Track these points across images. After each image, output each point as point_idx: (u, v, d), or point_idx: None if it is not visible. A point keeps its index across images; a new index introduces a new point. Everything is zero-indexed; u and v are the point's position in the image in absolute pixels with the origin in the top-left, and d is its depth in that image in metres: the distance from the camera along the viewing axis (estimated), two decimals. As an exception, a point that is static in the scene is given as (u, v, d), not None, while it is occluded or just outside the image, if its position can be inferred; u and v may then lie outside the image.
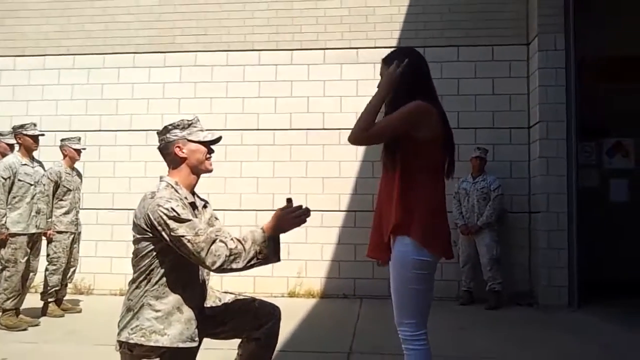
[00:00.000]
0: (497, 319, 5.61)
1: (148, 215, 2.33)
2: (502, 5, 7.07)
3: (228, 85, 7.28)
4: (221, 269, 2.29)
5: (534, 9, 6.75)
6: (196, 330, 2.41)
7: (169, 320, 2.33)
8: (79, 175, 6.01)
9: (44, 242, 5.58)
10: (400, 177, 2.41)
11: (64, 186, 5.69)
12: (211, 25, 7.41)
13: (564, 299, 6.22)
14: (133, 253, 2.44)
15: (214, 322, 2.59)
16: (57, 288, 5.60)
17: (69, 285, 6.13)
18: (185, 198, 2.46)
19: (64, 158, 5.84)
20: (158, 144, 2.59)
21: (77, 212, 5.85)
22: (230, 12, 7.41)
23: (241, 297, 2.73)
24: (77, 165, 6.01)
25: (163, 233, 2.30)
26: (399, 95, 2.45)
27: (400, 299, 2.42)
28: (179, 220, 2.29)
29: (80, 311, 5.84)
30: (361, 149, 6.96)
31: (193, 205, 2.51)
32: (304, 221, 2.39)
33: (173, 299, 2.36)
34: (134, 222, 2.43)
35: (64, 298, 5.87)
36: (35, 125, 5.40)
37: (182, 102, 7.31)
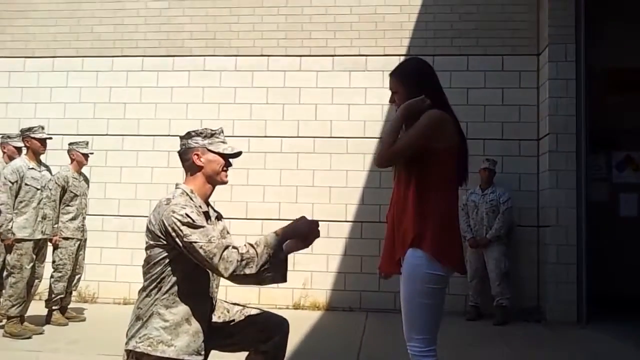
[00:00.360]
0: (504, 336, 5.55)
1: (162, 222, 2.34)
2: (513, 14, 7.01)
3: (236, 91, 7.25)
4: (234, 275, 2.28)
5: (545, 19, 6.69)
6: (203, 344, 2.40)
7: (177, 332, 2.33)
8: (86, 180, 5.99)
9: (49, 248, 5.54)
10: (416, 187, 2.39)
11: (71, 191, 5.66)
12: (220, 30, 7.37)
13: (573, 315, 6.15)
14: (145, 260, 2.43)
15: (222, 334, 2.58)
16: (62, 296, 5.56)
17: (74, 293, 6.10)
18: (200, 207, 2.46)
19: (71, 162, 5.81)
20: (179, 147, 2.60)
21: (84, 218, 5.82)
22: (239, 16, 7.37)
23: (249, 309, 2.71)
24: (83, 170, 5.98)
25: (177, 239, 2.30)
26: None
27: (410, 313, 2.38)
28: (192, 226, 2.30)
29: (84, 320, 5.81)
30: (368, 159, 6.91)
31: (206, 215, 2.50)
32: (317, 236, 2.40)
33: (183, 309, 2.36)
34: (147, 228, 2.42)
35: (69, 306, 5.83)
36: (43, 128, 5.36)
37: (189, 107, 7.28)
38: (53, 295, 5.51)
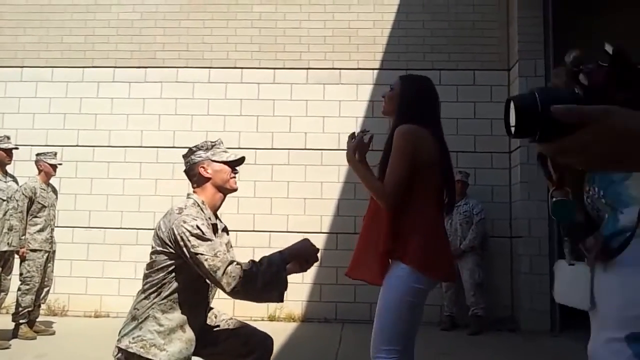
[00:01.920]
0: (479, 345, 5.58)
1: (172, 230, 2.36)
2: (484, 30, 7.17)
3: (209, 103, 7.20)
4: (235, 291, 2.29)
5: (515, 35, 6.85)
6: (203, 342, 2.47)
7: (170, 337, 2.35)
8: (55, 191, 5.83)
9: (16, 260, 5.38)
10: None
11: (39, 202, 5.51)
12: (193, 42, 7.33)
13: (546, 324, 6.22)
14: (148, 264, 2.46)
15: (205, 339, 2.56)
16: (29, 309, 5.37)
17: (42, 306, 5.91)
18: (209, 219, 2.50)
19: (39, 173, 5.66)
20: (184, 166, 2.66)
21: (52, 229, 5.66)
22: (212, 28, 7.36)
23: (236, 320, 2.70)
24: (52, 181, 5.84)
25: (184, 249, 2.33)
26: (396, 119, 2.48)
27: (383, 322, 2.32)
28: (201, 238, 2.33)
29: (53, 333, 5.62)
30: (343, 170, 6.92)
31: (214, 228, 2.52)
32: (315, 261, 2.50)
33: (179, 316, 2.39)
34: (155, 234, 2.46)
35: (37, 319, 5.64)
36: (9, 138, 5.26)
37: (162, 119, 7.19)
38: (20, 309, 5.32)
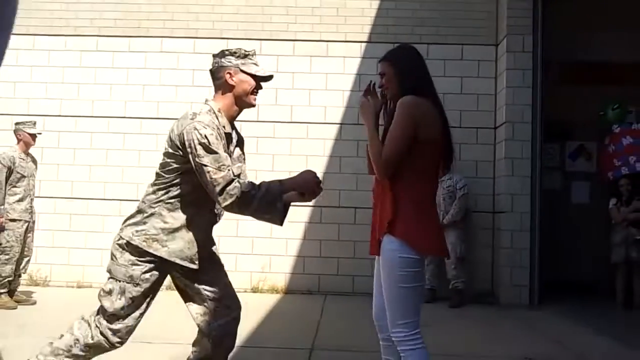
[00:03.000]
0: (459, 317, 5.66)
1: (183, 135, 2.38)
2: (473, 4, 7.09)
3: (194, 73, 7.10)
4: (230, 209, 2.35)
5: (504, 10, 6.79)
6: (197, 254, 2.47)
7: (173, 235, 2.41)
8: (34, 161, 5.77)
9: (-4, 230, 5.35)
10: (395, 173, 2.35)
11: (18, 172, 5.46)
12: (178, 11, 7.20)
13: (525, 298, 6.31)
14: (160, 164, 2.50)
15: (210, 270, 2.57)
16: (10, 279, 5.37)
17: (24, 276, 5.90)
18: (224, 127, 2.49)
19: (18, 143, 5.60)
20: (211, 65, 2.59)
21: (32, 199, 5.62)
22: (198, -3, 7.22)
23: (227, 275, 2.69)
24: (35, 151, 5.77)
25: (190, 155, 2.36)
26: (397, 91, 2.43)
27: (391, 299, 2.35)
28: (207, 149, 2.34)
29: (34, 303, 5.62)
30: (329, 144, 6.90)
31: (229, 137, 2.52)
32: (318, 193, 2.48)
33: (183, 216, 2.44)
34: (168, 136, 2.47)
35: (17, 289, 5.63)
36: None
37: (146, 89, 7.10)
38: (0, 279, 5.31)
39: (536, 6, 6.66)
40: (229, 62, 2.53)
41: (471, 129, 6.93)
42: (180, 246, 2.42)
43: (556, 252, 7.10)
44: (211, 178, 2.32)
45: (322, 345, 4.25)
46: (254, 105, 2.62)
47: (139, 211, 2.48)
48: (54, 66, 7.18)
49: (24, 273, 5.75)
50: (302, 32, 7.15)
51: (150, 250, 2.39)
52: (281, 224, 2.48)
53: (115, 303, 2.40)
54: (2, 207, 5.29)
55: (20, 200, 5.46)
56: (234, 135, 2.61)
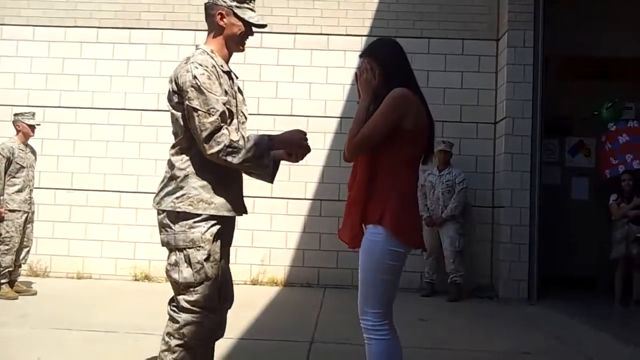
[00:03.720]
0: (457, 311, 5.67)
1: (177, 79, 2.31)
2: (474, -1, 7.08)
3: (195, 66, 7.08)
4: (216, 157, 2.26)
5: (505, 4, 6.78)
6: (242, 200, 2.49)
7: (214, 190, 2.34)
8: (33, 152, 5.77)
9: (-3, 221, 5.36)
10: (379, 165, 2.36)
11: (17, 163, 5.45)
12: (179, 3, 7.17)
13: (524, 293, 6.33)
14: (172, 122, 2.40)
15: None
16: (10, 269, 5.38)
17: (24, 267, 5.91)
18: (221, 66, 2.42)
19: (17, 134, 5.59)
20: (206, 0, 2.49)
21: (31, 190, 5.62)
22: (198, -10, 7.19)
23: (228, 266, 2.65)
24: (34, 142, 5.77)
25: (183, 99, 2.29)
26: (382, 87, 2.41)
27: (365, 287, 2.38)
28: (198, 90, 2.26)
29: (35, 293, 5.63)
30: (329, 138, 6.90)
31: (229, 75, 2.47)
32: (306, 152, 2.45)
33: (218, 168, 2.34)
34: (168, 89, 2.38)
35: (18, 279, 5.64)
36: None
37: (146, 81, 7.08)
38: (1, 269, 5.32)
39: (537, 1, 6.64)
40: (224, 1, 2.43)
41: (471, 124, 6.94)
42: (224, 200, 2.37)
43: (555, 247, 7.11)
44: (200, 122, 2.24)
45: (322, 338, 4.27)
46: (240, 51, 2.53)
47: (171, 178, 2.37)
48: (54, 57, 7.16)
49: (23, 263, 5.75)
50: (303, 25, 7.14)
51: (199, 212, 2.31)
52: (271, 181, 2.45)
53: (184, 272, 2.32)
54: (1, 197, 5.29)
55: (20, 191, 5.46)
56: (234, 77, 2.54)
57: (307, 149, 2.46)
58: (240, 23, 2.44)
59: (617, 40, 7.31)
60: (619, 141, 6.98)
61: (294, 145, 2.45)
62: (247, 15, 2.45)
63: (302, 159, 2.50)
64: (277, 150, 2.46)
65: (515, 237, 6.42)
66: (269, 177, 2.43)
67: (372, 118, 2.35)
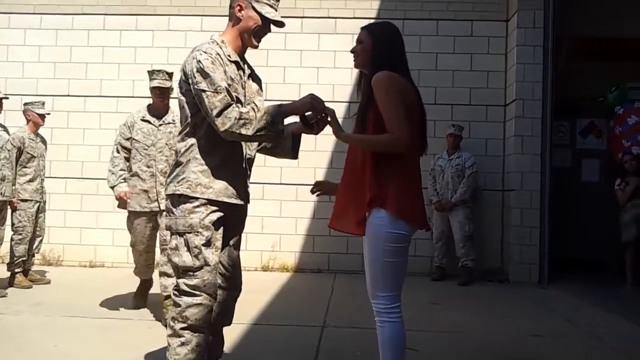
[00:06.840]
0: (468, 295, 5.68)
1: (186, 66, 2.39)
2: (483, -21, 6.98)
3: (202, 52, 7.05)
4: (230, 132, 2.30)
5: (514, -15, 6.68)
6: (242, 187, 2.51)
7: (214, 175, 2.40)
8: (44, 141, 5.79)
9: (9, 211, 5.39)
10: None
11: (28, 152, 5.47)
12: (185, -12, 7.14)
13: (535, 276, 6.33)
14: (180, 110, 2.49)
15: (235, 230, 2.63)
16: (24, 258, 5.43)
17: (37, 256, 5.97)
18: (229, 56, 2.46)
19: (27, 123, 5.59)
20: None
21: (42, 180, 5.64)
22: (205, -26, 7.14)
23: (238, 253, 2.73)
24: (44, 131, 5.78)
25: (191, 85, 2.35)
26: (373, 70, 2.40)
27: (374, 272, 2.39)
28: (203, 73, 2.31)
29: (48, 282, 5.68)
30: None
31: (237, 65, 2.50)
32: (324, 118, 2.45)
33: (219, 153, 2.42)
34: (179, 78, 2.45)
35: (32, 269, 5.70)
36: (-3, 87, 5.17)
37: (154, 68, 7.03)
38: (15, 258, 5.38)
39: (547, -19, 6.54)
40: None
41: (481, 107, 6.88)
42: (224, 185, 2.42)
43: (565, 230, 7.09)
44: (209, 102, 2.29)
45: (334, 323, 4.29)
46: (255, 47, 2.54)
47: (176, 164, 2.46)
48: (62, 45, 7.16)
49: (37, 253, 5.80)
50: (310, 8, 7.08)
51: (197, 195, 2.37)
52: (294, 157, 2.53)
53: (183, 256, 2.39)
54: (13, 187, 5.33)
55: (31, 180, 5.48)
56: (246, 68, 2.57)
57: (321, 105, 2.43)
58: (257, 17, 2.47)
59: (629, 20, 7.19)
60: (629, 123, 6.92)
61: (306, 105, 2.43)
62: (265, 10, 2.48)
63: (322, 128, 2.50)
64: (295, 124, 2.50)
65: (526, 220, 6.40)
66: (289, 149, 2.51)
67: (387, 109, 2.30)
